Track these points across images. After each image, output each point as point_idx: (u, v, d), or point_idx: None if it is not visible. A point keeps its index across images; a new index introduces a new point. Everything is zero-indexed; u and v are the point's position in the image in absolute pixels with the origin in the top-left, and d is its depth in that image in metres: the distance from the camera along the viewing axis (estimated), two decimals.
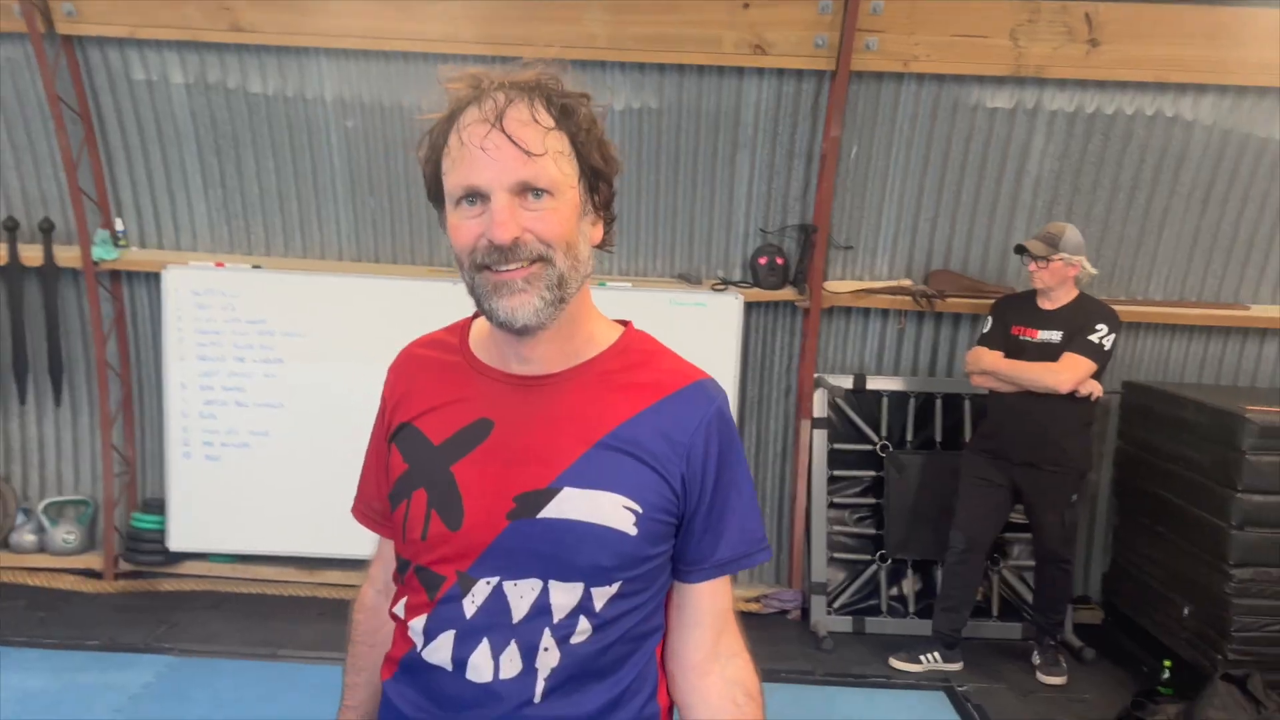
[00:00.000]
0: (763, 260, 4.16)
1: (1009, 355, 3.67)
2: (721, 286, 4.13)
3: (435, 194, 1.13)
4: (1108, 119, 3.93)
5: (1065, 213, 4.09)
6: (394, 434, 1.21)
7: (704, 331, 4.08)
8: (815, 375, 4.25)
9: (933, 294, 4.13)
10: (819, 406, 4.26)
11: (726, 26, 3.73)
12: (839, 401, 4.30)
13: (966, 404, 4.27)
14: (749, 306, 4.14)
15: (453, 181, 1.08)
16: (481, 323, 1.20)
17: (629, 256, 4.26)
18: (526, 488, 1.11)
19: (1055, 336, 3.61)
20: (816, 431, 4.28)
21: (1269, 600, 3.30)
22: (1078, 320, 3.59)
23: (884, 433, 4.30)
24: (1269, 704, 3.17)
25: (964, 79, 3.87)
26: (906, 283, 4.21)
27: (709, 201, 4.16)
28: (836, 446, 4.30)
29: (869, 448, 4.30)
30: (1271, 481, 3.27)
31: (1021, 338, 3.66)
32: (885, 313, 4.29)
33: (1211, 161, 3.99)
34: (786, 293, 4.17)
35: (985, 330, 3.78)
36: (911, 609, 4.22)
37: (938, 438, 4.29)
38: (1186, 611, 3.51)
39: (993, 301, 3.88)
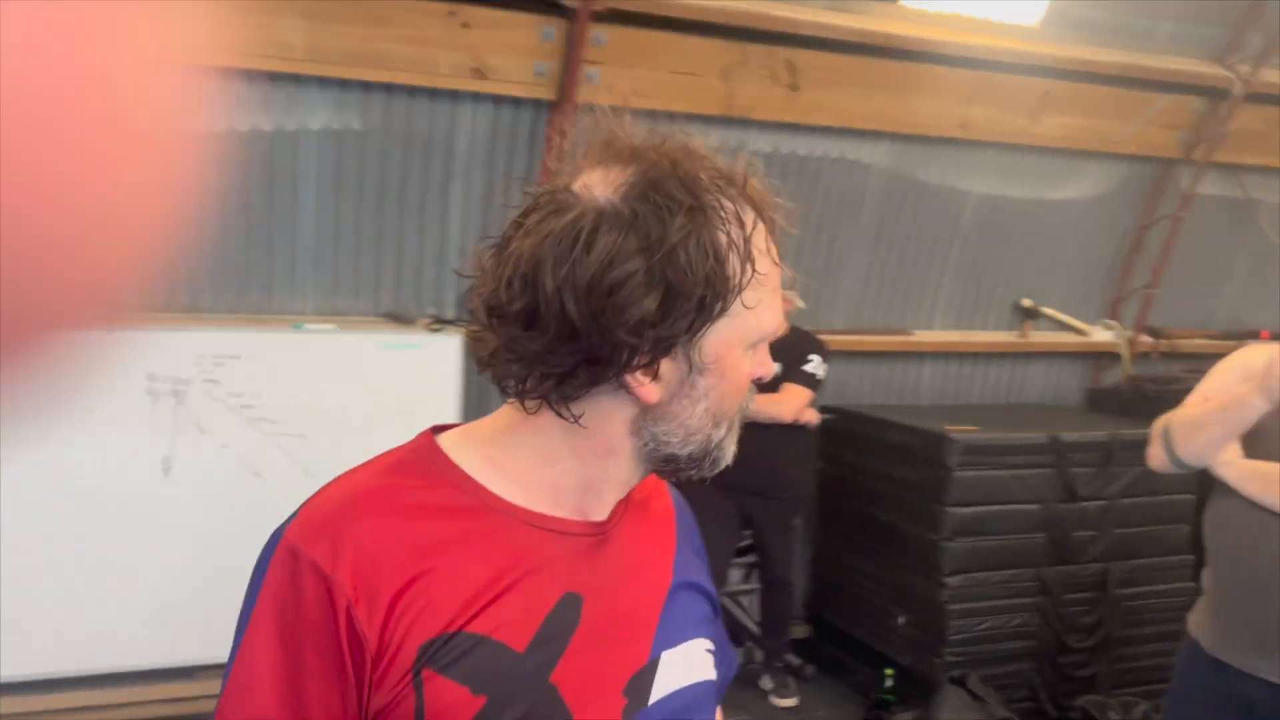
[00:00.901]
0: None
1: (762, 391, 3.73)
2: (437, 326, 3.80)
3: (701, 310, 0.80)
4: (801, 160, 4.16)
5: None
6: (429, 658, 0.80)
7: (420, 376, 3.72)
8: None
9: None
10: None
11: (444, 46, 3.43)
12: None
13: None
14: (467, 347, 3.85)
15: (765, 321, 0.85)
16: (513, 458, 0.88)
17: (326, 295, 3.78)
18: (631, 670, 0.88)
19: (775, 368, 3.72)
20: None
21: (978, 603, 3.64)
22: (793, 352, 3.73)
23: None
24: (989, 699, 3.48)
25: (676, 116, 3.86)
26: None
27: (419, 234, 3.81)
28: None
29: None
30: (975, 495, 3.61)
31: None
32: None
33: (884, 202, 4.37)
34: None
35: None
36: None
37: None
38: (902, 620, 3.77)
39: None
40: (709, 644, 0.98)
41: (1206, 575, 2.27)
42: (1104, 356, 5.04)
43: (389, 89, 3.52)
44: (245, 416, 3.53)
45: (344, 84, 3.48)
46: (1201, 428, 2.14)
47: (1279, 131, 4.71)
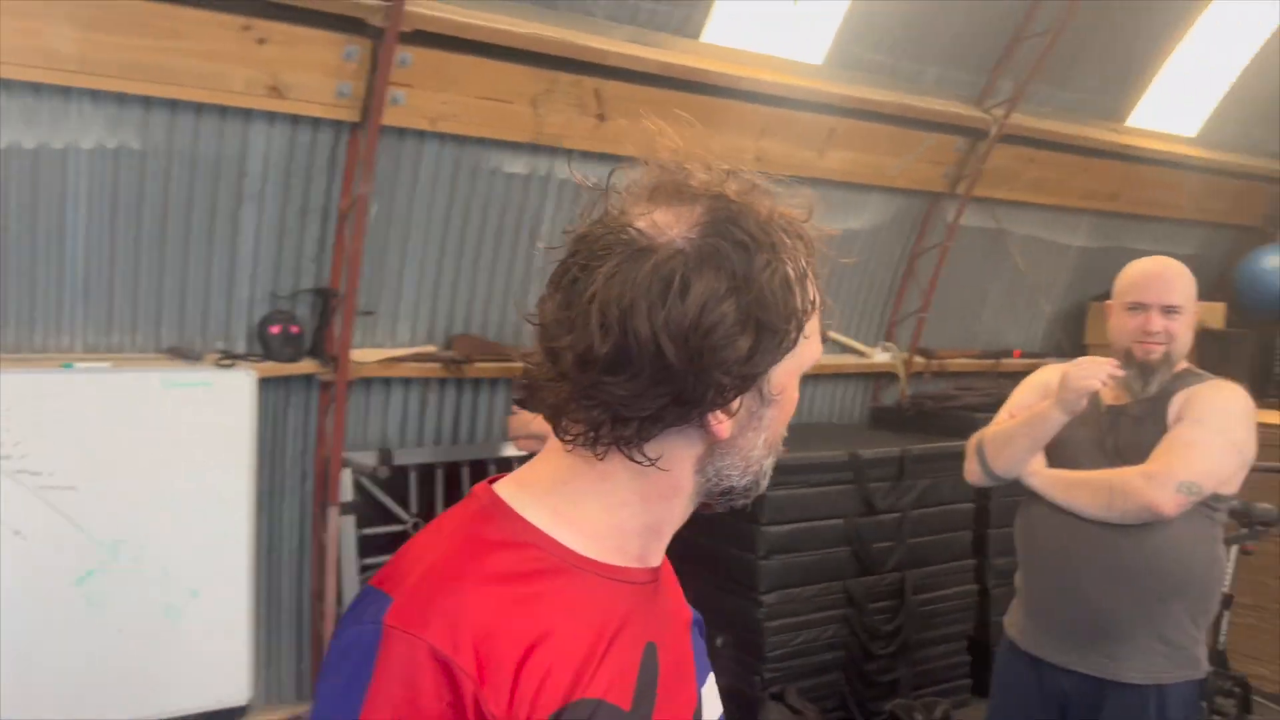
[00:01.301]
0: (275, 329, 3.63)
1: None
2: (228, 362, 3.51)
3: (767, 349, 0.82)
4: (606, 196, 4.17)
5: None
6: None
7: (209, 417, 3.41)
8: (342, 455, 3.82)
9: (460, 359, 3.99)
10: (346, 489, 3.85)
11: (237, 61, 3.19)
12: (364, 481, 3.93)
13: (492, 468, 4.20)
14: (262, 383, 3.57)
15: (816, 350, 0.89)
16: (578, 508, 0.88)
17: (99, 330, 3.42)
18: (691, 711, 0.94)
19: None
20: (344, 518, 3.85)
21: (793, 618, 3.75)
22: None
23: (414, 509, 4.03)
24: (807, 711, 3.59)
25: (484, 142, 3.82)
26: (431, 349, 4.01)
27: (205, 263, 3.52)
28: (365, 532, 3.92)
29: (400, 528, 3.99)
30: (786, 513, 3.73)
31: None
32: (408, 382, 4.04)
33: None
34: (307, 365, 3.69)
35: (518, 396, 3.75)
36: None
37: None
38: (720, 642, 3.83)
39: (523, 365, 3.88)
40: (713, 676, 1.04)
41: (1019, 577, 2.44)
42: (883, 376, 5.38)
43: (173, 105, 3.24)
44: (3, 469, 3.11)
45: (122, 99, 3.16)
46: (1010, 442, 2.31)
47: (1026, 169, 5.22)
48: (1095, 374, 2.18)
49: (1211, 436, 2.13)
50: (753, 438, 0.87)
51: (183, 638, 3.31)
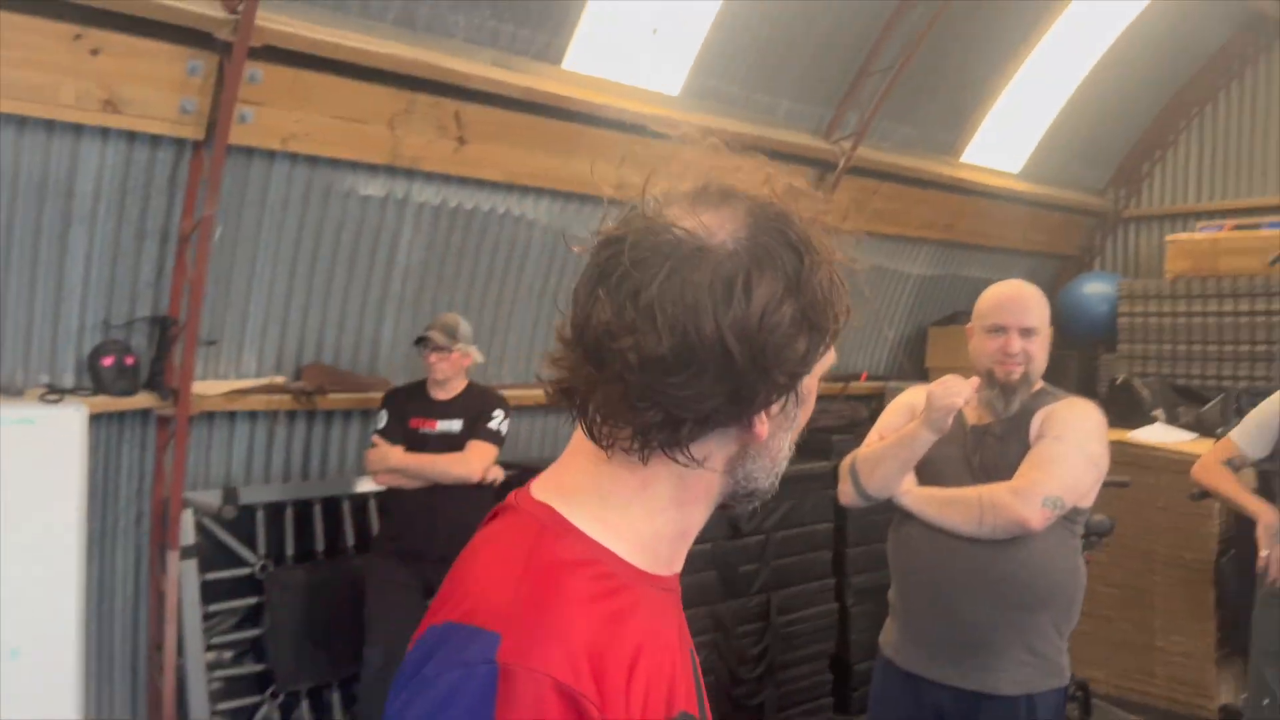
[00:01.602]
0: (107, 360, 3.36)
1: (410, 449, 3.55)
2: (54, 397, 3.22)
3: (801, 361, 0.84)
4: (468, 214, 4.09)
5: (431, 303, 4.13)
6: None
7: (35, 457, 3.10)
8: (183, 495, 3.56)
9: (311, 390, 3.79)
10: (187, 531, 3.58)
11: (67, 73, 2.95)
12: (206, 522, 3.67)
13: (346, 505, 4.02)
14: (93, 419, 3.29)
15: (830, 358, 0.89)
16: (625, 517, 0.88)
17: None
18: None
19: (456, 426, 3.60)
20: (185, 562, 3.58)
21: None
22: (475, 408, 3.64)
23: (261, 551, 3.79)
24: None
25: (339, 164, 3.67)
26: (280, 380, 3.80)
27: (29, 289, 3.22)
28: (209, 577, 3.66)
29: (246, 571, 3.75)
30: None
31: (421, 430, 3.58)
32: (254, 415, 3.81)
33: (548, 257, 4.42)
34: (143, 399, 3.43)
35: (381, 426, 3.60)
36: None
37: (319, 547, 3.94)
38: None
39: (382, 395, 3.73)
40: None
41: (893, 595, 2.49)
42: None
43: None
44: None
45: None
46: (880, 463, 2.36)
47: (870, 200, 5.44)
48: (959, 392, 2.24)
49: (1071, 452, 2.23)
50: (783, 438, 0.89)
51: (2, 704, 2.98)
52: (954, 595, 2.27)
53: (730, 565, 4.01)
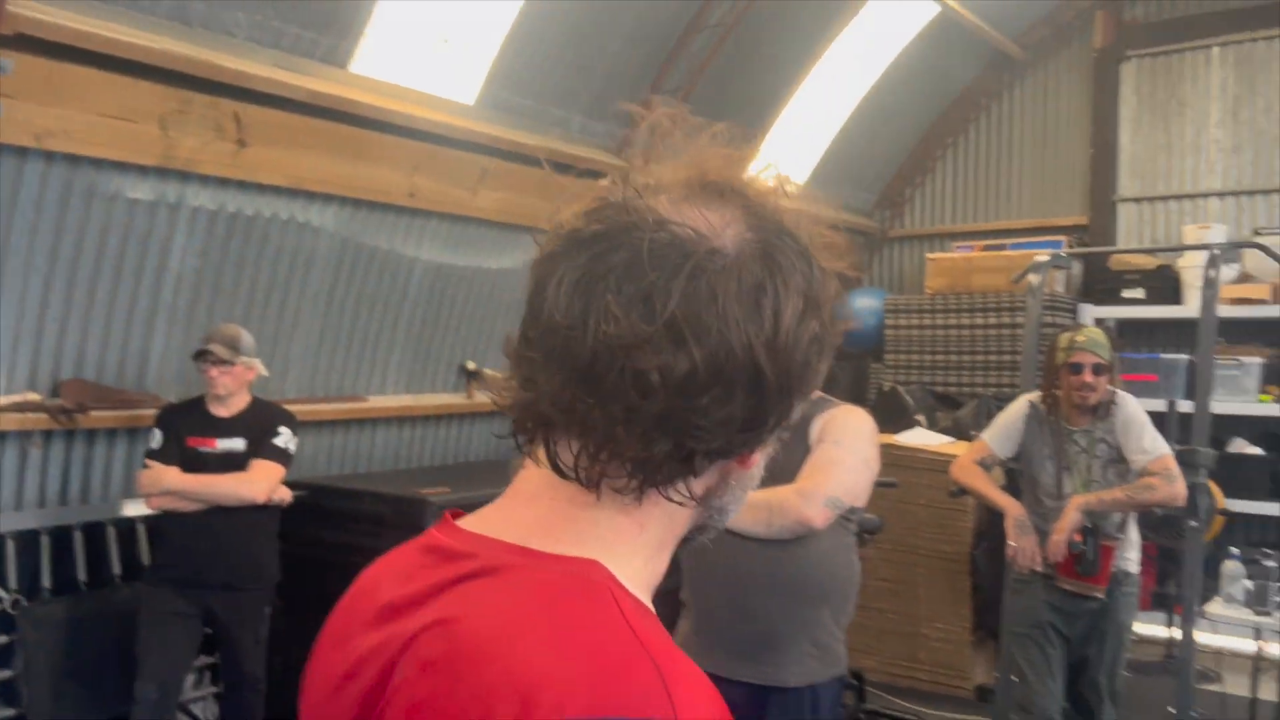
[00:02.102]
0: None
1: (187, 469, 3.35)
2: None
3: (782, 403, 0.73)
4: (248, 220, 3.89)
5: (207, 313, 3.90)
6: None
7: None
8: None
9: (72, 408, 3.50)
10: None
11: None
12: None
13: (111, 531, 3.72)
14: None
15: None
16: (630, 567, 0.75)
17: None
18: None
19: (238, 444, 3.42)
20: None
21: None
22: (259, 425, 3.47)
23: (13, 584, 3.45)
24: None
25: (103, 164, 3.41)
26: (34, 396, 3.48)
27: None
28: None
29: None
30: None
31: (200, 449, 3.38)
32: (3, 435, 3.47)
33: (334, 266, 4.28)
34: None
35: (154, 446, 3.37)
36: None
37: (82, 576, 3.63)
38: None
39: (156, 413, 3.49)
40: None
41: (686, 595, 2.57)
42: None
43: None
44: None
45: None
46: None
47: None
48: None
49: (848, 455, 2.40)
50: (759, 466, 0.79)
51: None
52: (745, 593, 2.38)
53: None
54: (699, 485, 0.75)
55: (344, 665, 0.75)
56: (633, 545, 0.75)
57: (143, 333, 3.77)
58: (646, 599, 0.75)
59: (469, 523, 0.77)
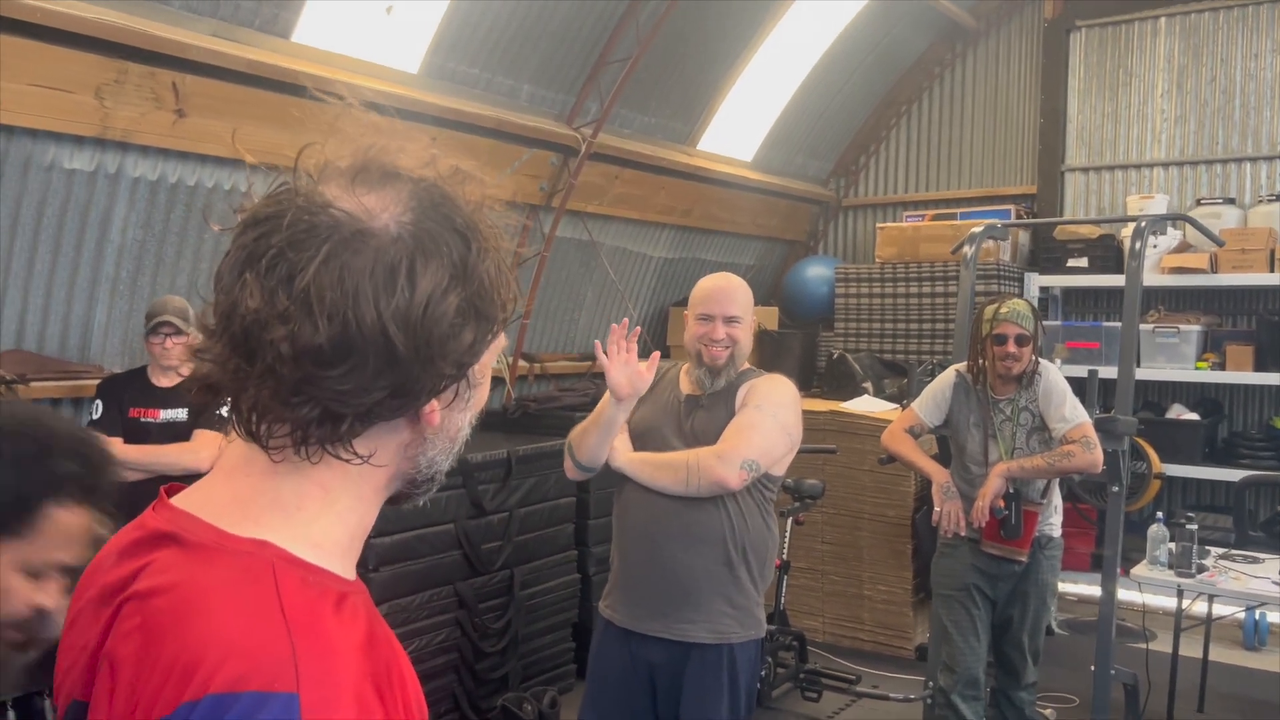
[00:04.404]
0: None
1: (130, 440, 3.37)
2: None
3: None
4: (190, 190, 3.89)
5: (150, 284, 3.91)
6: None
7: None
8: None
9: (11, 379, 3.51)
10: None
11: None
12: None
13: None
14: None
15: (503, 339, 0.87)
16: (323, 530, 0.84)
17: None
18: None
19: (181, 414, 3.45)
20: None
21: (403, 627, 3.73)
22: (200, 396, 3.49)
23: None
24: None
25: (39, 134, 3.39)
26: None
27: None
28: None
29: None
30: (393, 524, 3.71)
31: (143, 420, 3.41)
32: None
33: None
34: None
35: (96, 417, 3.39)
36: None
37: None
38: None
39: (97, 384, 3.51)
40: None
41: (614, 557, 2.65)
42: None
43: None
44: None
45: None
46: (585, 434, 2.53)
47: (612, 185, 5.63)
48: (621, 370, 2.40)
49: (767, 420, 2.49)
50: (459, 419, 0.85)
51: None
52: (665, 551, 2.47)
53: (474, 544, 4.08)
54: (383, 445, 0.81)
55: (78, 642, 0.82)
56: (319, 508, 0.80)
57: (84, 303, 3.77)
58: (339, 558, 0.81)
59: (180, 499, 0.83)
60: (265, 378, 0.75)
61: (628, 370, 2.39)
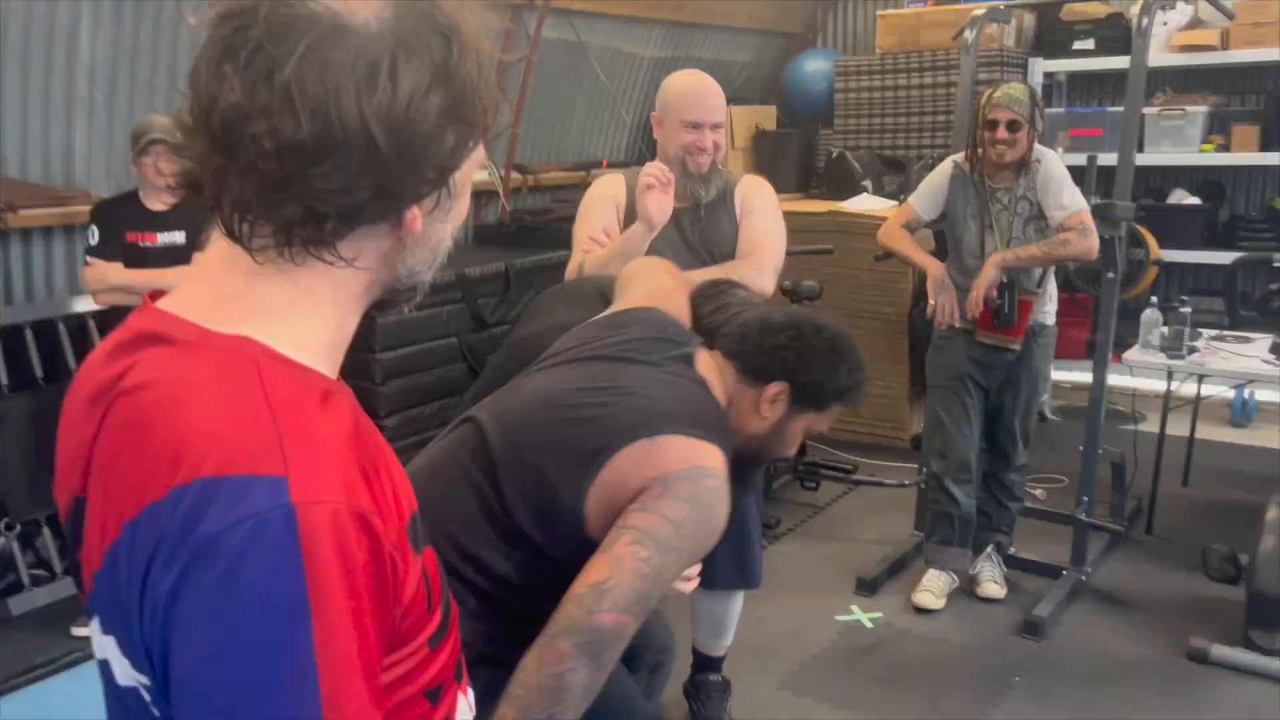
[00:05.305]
0: None
1: (129, 265, 3.38)
2: None
3: None
4: (157, 4, 3.73)
5: (128, 105, 3.81)
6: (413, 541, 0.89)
7: None
8: None
9: (1, 208, 3.48)
10: None
11: None
12: None
13: (62, 327, 3.79)
14: None
15: (483, 150, 0.87)
16: (306, 331, 0.85)
17: None
18: None
19: (179, 238, 3.44)
20: None
21: (415, 437, 3.86)
22: (198, 217, 3.43)
23: None
24: None
25: None
26: None
27: None
28: None
29: None
30: (400, 338, 3.77)
31: (141, 244, 3.40)
32: None
33: None
34: None
35: (94, 243, 3.37)
36: (59, 571, 3.72)
37: (39, 373, 3.74)
38: None
39: (90, 209, 3.48)
40: None
41: None
42: (483, 194, 5.46)
43: None
44: None
45: None
46: (608, 265, 2.50)
47: None
48: (659, 178, 2.39)
49: (773, 225, 2.61)
50: (441, 230, 0.86)
51: None
52: None
53: (477, 355, 4.15)
54: (365, 249, 0.82)
55: (73, 440, 0.85)
56: (304, 311, 0.82)
57: (62, 128, 3.69)
58: (323, 360, 0.83)
59: (164, 302, 0.85)
60: (248, 175, 0.74)
61: (663, 198, 2.36)
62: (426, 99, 0.76)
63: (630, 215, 2.52)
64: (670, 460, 1.50)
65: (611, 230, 2.58)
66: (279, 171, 0.74)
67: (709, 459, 1.53)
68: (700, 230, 2.58)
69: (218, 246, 0.82)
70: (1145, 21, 3.44)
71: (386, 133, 0.74)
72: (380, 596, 0.76)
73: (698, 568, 1.73)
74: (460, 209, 0.87)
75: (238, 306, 0.81)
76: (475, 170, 0.88)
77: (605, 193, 2.63)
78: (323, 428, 0.77)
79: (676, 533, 1.45)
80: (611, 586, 1.40)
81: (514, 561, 1.55)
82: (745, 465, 1.73)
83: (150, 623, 0.73)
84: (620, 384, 1.62)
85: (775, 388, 1.70)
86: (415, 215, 0.81)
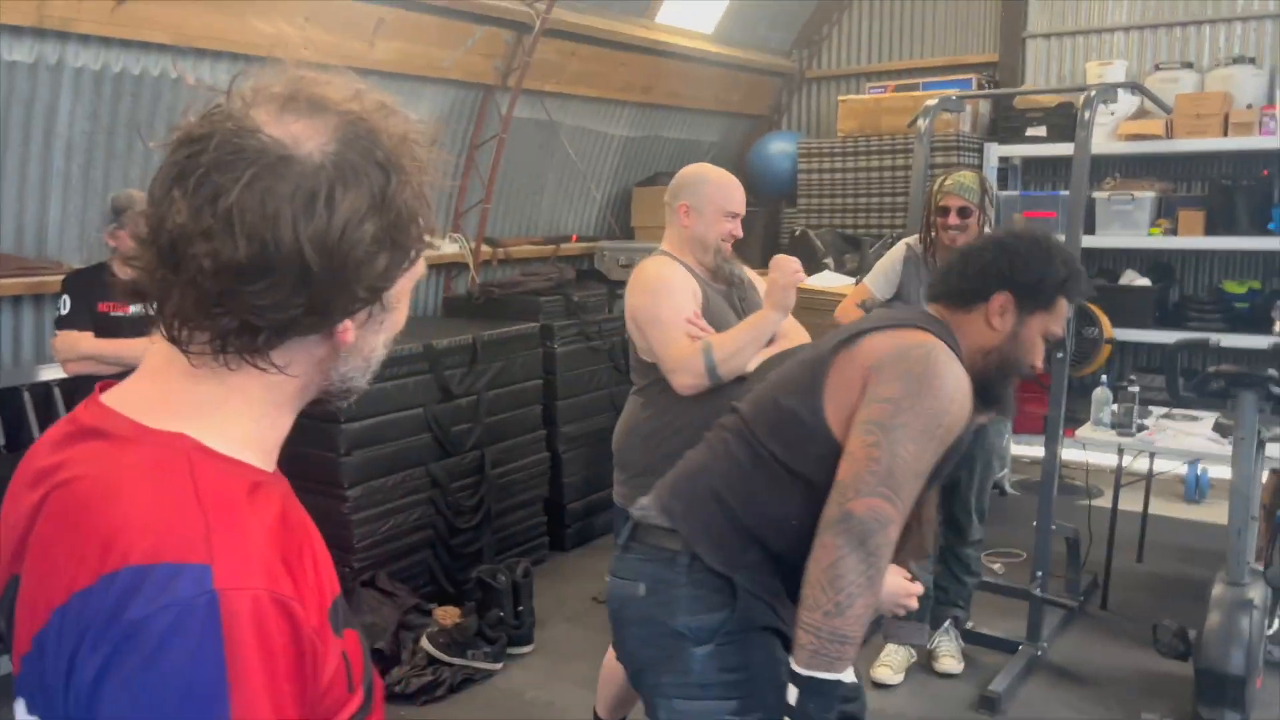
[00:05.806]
0: None
1: (100, 335, 3.41)
2: None
3: None
4: (135, 79, 3.82)
5: (103, 178, 3.88)
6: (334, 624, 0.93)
7: None
8: None
9: None
10: None
11: None
12: None
13: (27, 396, 3.80)
14: None
15: (421, 267, 0.95)
16: (238, 427, 0.92)
17: None
18: None
19: (152, 308, 3.47)
20: None
21: (379, 508, 3.87)
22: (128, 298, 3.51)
23: None
24: (398, 592, 3.78)
25: None
26: None
27: None
28: None
29: None
30: (366, 408, 3.80)
31: (113, 314, 3.43)
32: None
33: None
34: None
35: (65, 312, 3.41)
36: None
37: (0, 441, 3.73)
38: None
39: (61, 279, 3.51)
40: None
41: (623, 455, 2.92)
42: (454, 267, 5.55)
43: None
44: None
45: None
46: (740, 352, 2.67)
47: (569, 62, 5.54)
48: (796, 270, 2.72)
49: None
50: (373, 340, 0.92)
51: None
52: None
53: (443, 426, 4.19)
54: (297, 358, 0.88)
55: (9, 520, 0.90)
56: (236, 410, 0.88)
57: (37, 200, 3.75)
58: (255, 453, 0.89)
59: (108, 396, 0.90)
60: (188, 288, 0.81)
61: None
62: (361, 226, 0.82)
63: (706, 302, 2.79)
64: (875, 351, 1.71)
65: (696, 319, 2.75)
66: (217, 288, 0.80)
67: (910, 337, 1.73)
68: (745, 303, 2.87)
69: (160, 347, 0.88)
70: (1088, 114, 3.61)
71: (320, 256, 0.81)
72: (299, 678, 0.79)
73: (918, 587, 1.90)
74: (395, 320, 0.94)
75: (173, 404, 0.87)
76: (413, 283, 0.94)
77: (676, 276, 2.81)
78: (249, 518, 0.82)
79: (896, 408, 1.62)
80: (852, 478, 1.60)
81: (794, 504, 1.73)
82: (992, 382, 1.83)
83: (75, 706, 0.76)
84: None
85: (999, 298, 1.80)
86: (347, 327, 0.87)
